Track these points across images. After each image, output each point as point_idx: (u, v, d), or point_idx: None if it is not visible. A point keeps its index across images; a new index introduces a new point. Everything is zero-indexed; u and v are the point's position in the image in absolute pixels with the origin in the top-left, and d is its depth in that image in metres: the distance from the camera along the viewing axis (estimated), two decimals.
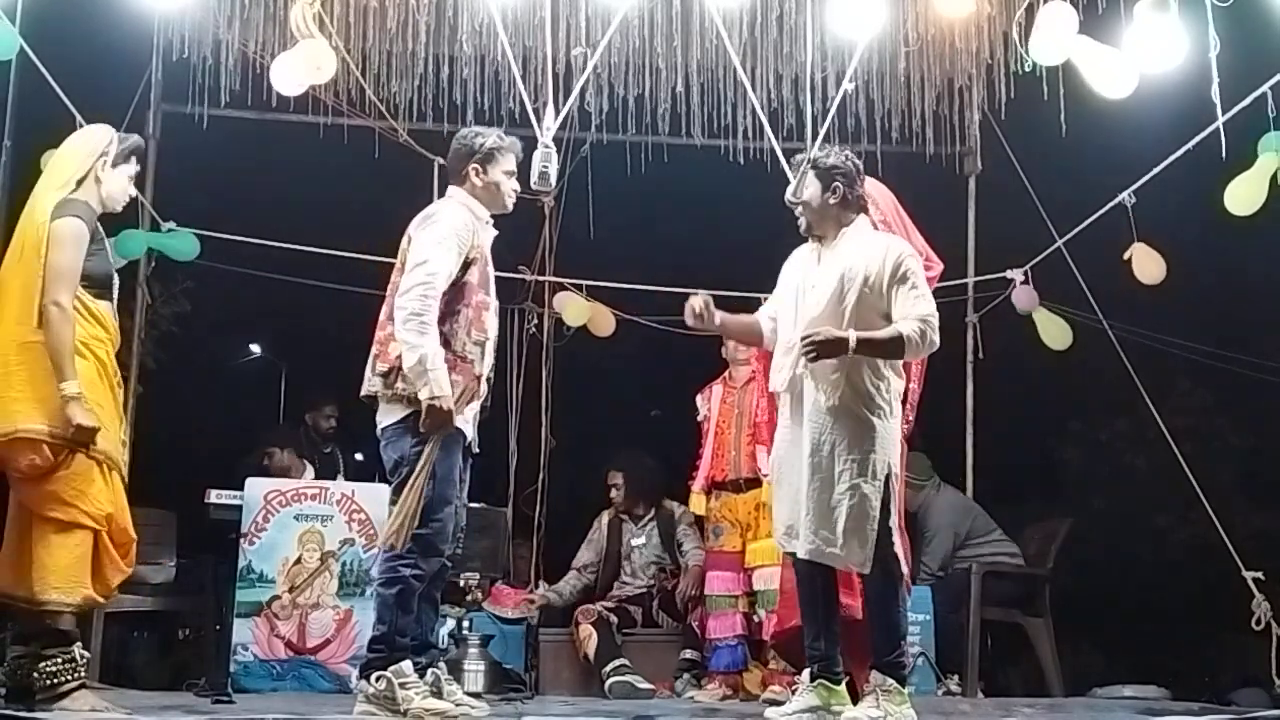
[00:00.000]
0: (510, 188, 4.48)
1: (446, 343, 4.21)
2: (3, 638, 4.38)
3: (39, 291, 3.97)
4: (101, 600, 4.21)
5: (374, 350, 4.30)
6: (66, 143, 4.37)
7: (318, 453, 7.06)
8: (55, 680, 4.00)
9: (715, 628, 5.60)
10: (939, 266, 4.66)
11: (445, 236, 4.22)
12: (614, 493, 6.40)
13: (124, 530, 4.19)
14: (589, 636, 5.87)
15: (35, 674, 3.99)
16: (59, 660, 4.02)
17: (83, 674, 4.12)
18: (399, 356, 4.18)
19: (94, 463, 4.06)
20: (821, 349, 4.12)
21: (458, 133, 4.60)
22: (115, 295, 4.27)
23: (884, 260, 4.23)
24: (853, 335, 4.12)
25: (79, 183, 4.16)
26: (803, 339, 4.16)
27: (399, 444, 4.22)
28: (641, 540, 6.33)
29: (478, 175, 4.41)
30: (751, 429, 5.63)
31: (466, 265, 4.28)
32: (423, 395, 4.10)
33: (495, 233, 4.50)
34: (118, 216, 6.28)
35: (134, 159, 4.33)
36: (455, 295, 4.25)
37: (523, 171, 4.63)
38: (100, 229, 4.20)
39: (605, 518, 6.46)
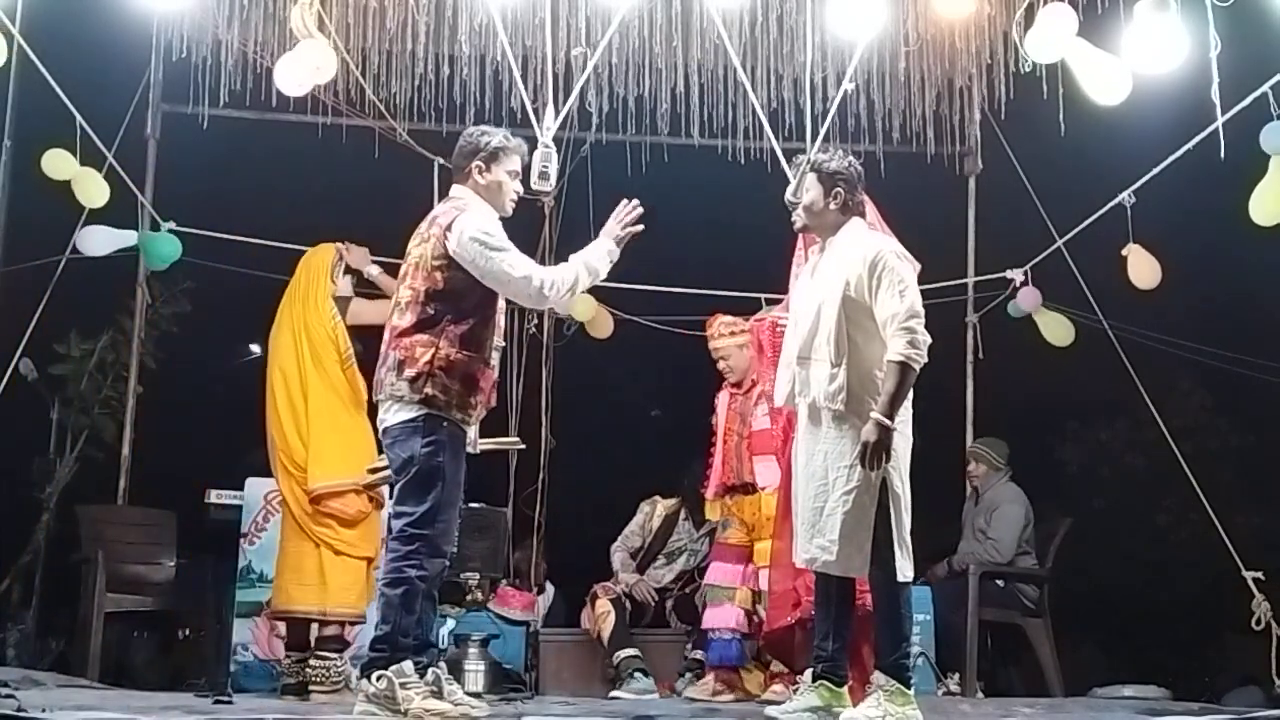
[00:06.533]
0: (512, 189, 4.43)
1: (479, 347, 4.21)
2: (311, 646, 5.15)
3: (344, 369, 5.19)
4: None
5: (399, 355, 4.19)
6: (310, 263, 5.42)
7: None
8: (340, 678, 5.00)
9: (711, 618, 5.56)
10: (916, 266, 4.58)
11: (490, 221, 4.25)
12: None
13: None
14: (606, 614, 5.84)
15: (328, 673, 5.00)
16: (336, 664, 5.02)
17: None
18: (428, 361, 4.14)
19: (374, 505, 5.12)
20: (875, 452, 4.00)
21: (464, 131, 4.55)
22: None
23: (862, 263, 4.16)
24: (874, 419, 3.99)
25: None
26: (861, 460, 4.05)
27: (408, 443, 4.18)
28: (684, 542, 6.32)
29: (481, 173, 4.37)
30: (749, 436, 5.62)
31: None
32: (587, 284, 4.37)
33: None
34: (116, 219, 6.35)
35: (350, 278, 5.43)
36: (487, 300, 4.24)
37: (523, 171, 4.62)
38: None
39: (661, 507, 6.43)
